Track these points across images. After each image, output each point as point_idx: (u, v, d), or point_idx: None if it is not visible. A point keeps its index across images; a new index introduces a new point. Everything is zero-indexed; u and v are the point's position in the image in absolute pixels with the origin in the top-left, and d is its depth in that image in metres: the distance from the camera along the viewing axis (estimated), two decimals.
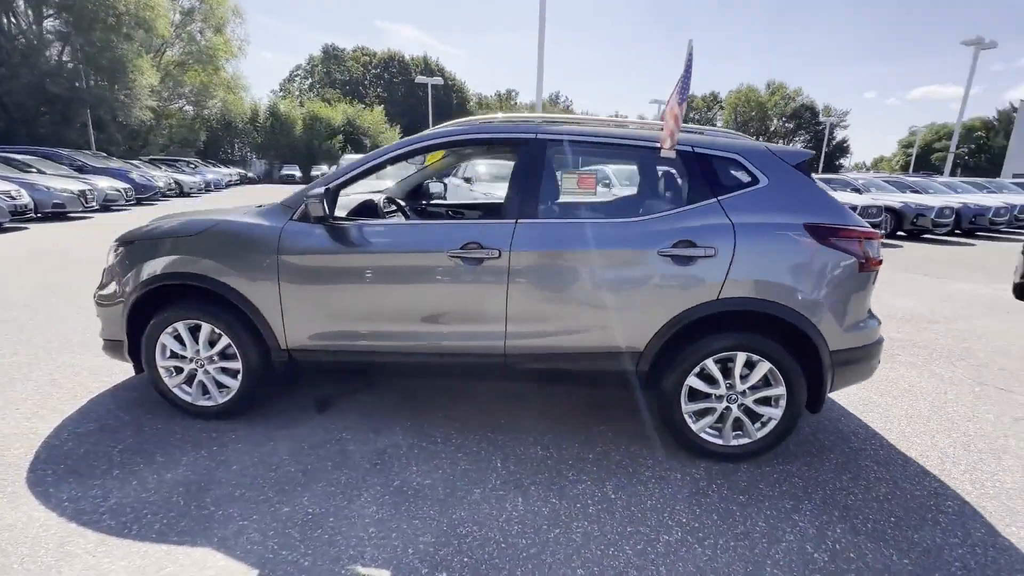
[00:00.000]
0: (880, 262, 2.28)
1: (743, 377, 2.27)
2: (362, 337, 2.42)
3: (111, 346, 2.67)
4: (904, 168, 57.80)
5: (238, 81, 35.16)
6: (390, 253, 2.37)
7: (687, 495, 2.12)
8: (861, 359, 2.31)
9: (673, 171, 2.45)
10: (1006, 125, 49.37)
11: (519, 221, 2.30)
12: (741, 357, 2.24)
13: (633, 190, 3.72)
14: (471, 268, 2.29)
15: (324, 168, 35.68)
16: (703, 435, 2.34)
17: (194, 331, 2.53)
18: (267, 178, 38.75)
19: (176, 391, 2.60)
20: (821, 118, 67.93)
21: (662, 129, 2.31)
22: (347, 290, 2.39)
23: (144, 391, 2.88)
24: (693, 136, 2.39)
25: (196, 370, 2.58)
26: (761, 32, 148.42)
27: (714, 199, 2.26)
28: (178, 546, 1.76)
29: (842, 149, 66.86)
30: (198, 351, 2.54)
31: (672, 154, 2.28)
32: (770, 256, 2.19)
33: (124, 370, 3.08)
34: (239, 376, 2.55)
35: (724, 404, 2.30)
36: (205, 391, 2.61)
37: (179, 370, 2.61)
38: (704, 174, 2.30)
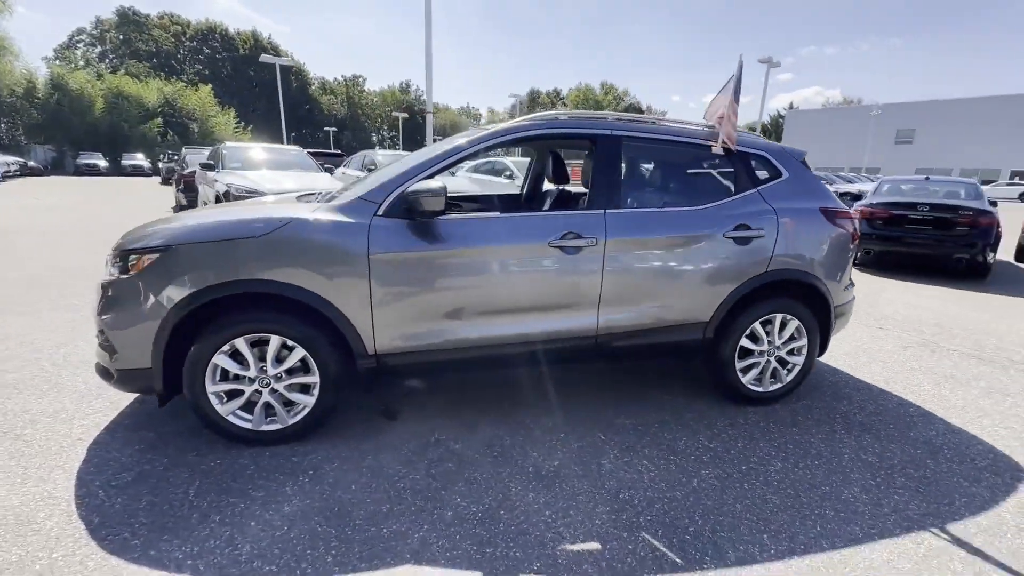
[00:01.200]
0: (860, 236, 2.98)
1: (780, 334, 2.79)
2: (455, 333, 2.37)
3: (127, 377, 2.18)
4: None
5: (3, 43, 27.43)
6: (489, 246, 2.36)
7: (760, 434, 2.56)
8: (847, 312, 3.02)
9: (722, 165, 2.84)
10: (777, 129, 62.28)
11: (607, 211, 2.49)
12: (778, 318, 2.75)
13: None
14: (570, 256, 2.41)
15: (139, 157, 29.91)
16: (750, 386, 2.82)
17: (256, 346, 2.21)
18: (57, 168, 31.08)
19: (231, 419, 2.24)
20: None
21: (713, 128, 2.70)
22: (443, 286, 2.32)
23: (148, 424, 2.40)
24: (721, 135, 2.81)
25: (260, 391, 2.25)
26: (589, 36, 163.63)
27: (754, 189, 2.72)
28: (381, 570, 1.62)
29: None
30: (263, 368, 2.22)
31: (721, 151, 2.68)
32: (802, 235, 2.73)
33: (98, 406, 2.53)
34: (314, 390, 2.30)
35: (765, 358, 2.81)
36: (269, 413, 2.30)
37: (235, 394, 2.25)
38: (745, 169, 2.75)
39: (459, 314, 2.36)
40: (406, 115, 58.41)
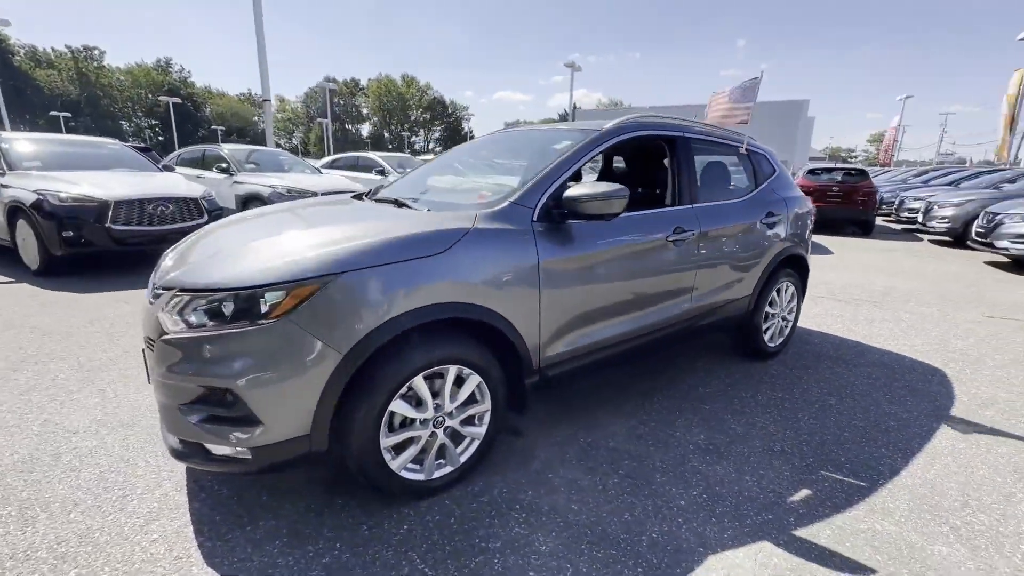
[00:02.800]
0: None
1: (786, 299, 3.49)
2: (600, 333, 2.39)
3: (274, 452, 1.66)
4: None
5: None
6: (627, 244, 2.42)
7: (788, 384, 3.20)
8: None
9: (742, 163, 3.33)
10: None
11: (694, 206, 2.77)
12: (785, 285, 3.44)
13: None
14: (678, 248, 2.63)
15: None
16: (769, 344, 3.46)
17: (430, 380, 1.90)
18: None
19: (404, 473, 1.89)
20: (466, 113, 79.55)
21: (735, 132, 3.19)
22: (593, 287, 2.31)
23: (259, 514, 1.88)
24: (746, 138, 3.35)
25: (435, 432, 1.94)
26: (379, 29, 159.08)
27: (767, 183, 3.32)
28: (684, 564, 1.64)
29: (470, 138, 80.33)
30: (438, 406, 1.92)
31: (745, 152, 3.20)
32: (797, 218, 3.43)
33: (118, 485, 1.86)
34: (484, 420, 2.08)
35: (777, 320, 3.48)
36: (440, 456, 1.99)
37: (409, 443, 1.89)
38: (757, 166, 3.32)
39: (603, 313, 2.38)
40: (176, 100, 48.58)
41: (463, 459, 2.04)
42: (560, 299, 2.17)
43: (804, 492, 2.08)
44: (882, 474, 2.21)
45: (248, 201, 7.69)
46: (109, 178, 5.98)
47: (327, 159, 11.63)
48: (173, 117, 44.78)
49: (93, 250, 5.38)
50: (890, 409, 2.83)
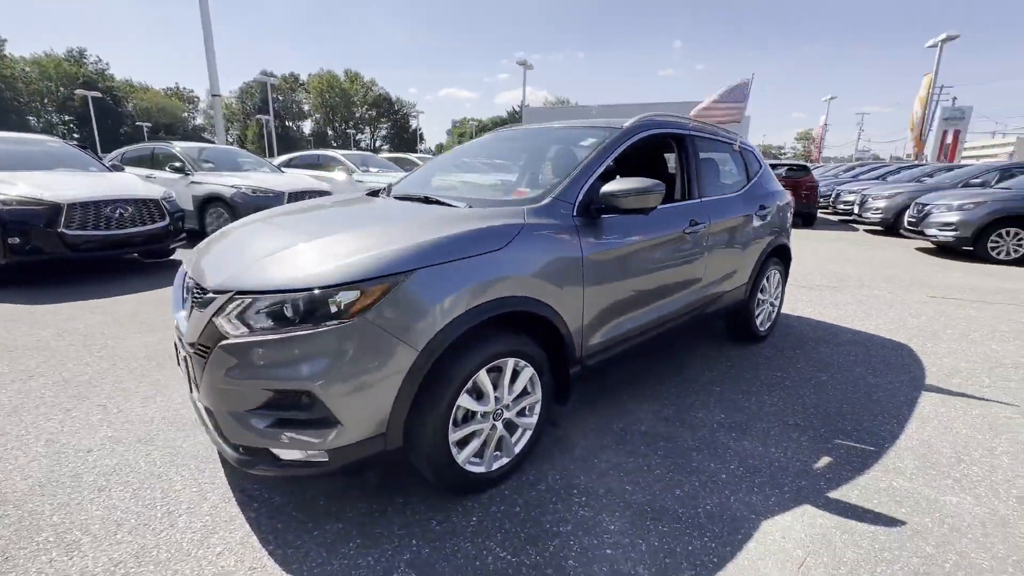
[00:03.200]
0: None
1: (774, 285, 3.75)
2: (630, 322, 2.50)
3: (350, 453, 1.64)
4: None
5: None
6: (655, 237, 2.54)
7: (783, 364, 3.46)
8: None
9: (734, 159, 3.53)
10: (516, 122, 70.83)
11: (703, 200, 2.93)
12: (773, 273, 3.70)
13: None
14: (692, 240, 2.78)
15: None
16: (760, 328, 3.71)
17: (490, 373, 1.93)
18: None
19: (468, 467, 1.92)
20: (414, 110, 78.28)
21: (729, 130, 3.40)
22: (625, 279, 2.41)
23: (325, 518, 1.85)
24: (738, 136, 3.56)
25: (495, 424, 1.98)
26: (318, 21, 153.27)
27: (756, 177, 3.55)
28: (743, 534, 1.78)
29: (419, 136, 79.09)
30: (497, 398, 1.96)
31: (738, 149, 3.42)
32: (782, 210, 3.70)
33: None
34: (535, 411, 2.13)
35: (767, 305, 3.74)
36: (498, 447, 2.03)
37: (471, 436, 1.92)
38: (747, 162, 3.55)
39: (632, 304, 2.49)
40: (96, 94, 44.72)
41: (517, 449, 2.09)
42: (599, 291, 2.26)
43: (825, 459, 2.28)
44: (885, 439, 2.46)
45: (208, 203, 7.28)
46: (55, 179, 5.50)
47: (283, 157, 11.14)
48: (93, 113, 41.19)
49: (44, 258, 4.94)
50: (875, 381, 3.12)
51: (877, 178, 13.53)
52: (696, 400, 2.84)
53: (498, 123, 74.94)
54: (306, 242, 1.87)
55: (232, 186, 7.10)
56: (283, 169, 9.52)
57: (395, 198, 2.69)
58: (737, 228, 3.20)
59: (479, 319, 1.78)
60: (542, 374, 2.09)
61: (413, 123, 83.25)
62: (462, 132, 79.46)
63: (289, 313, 1.60)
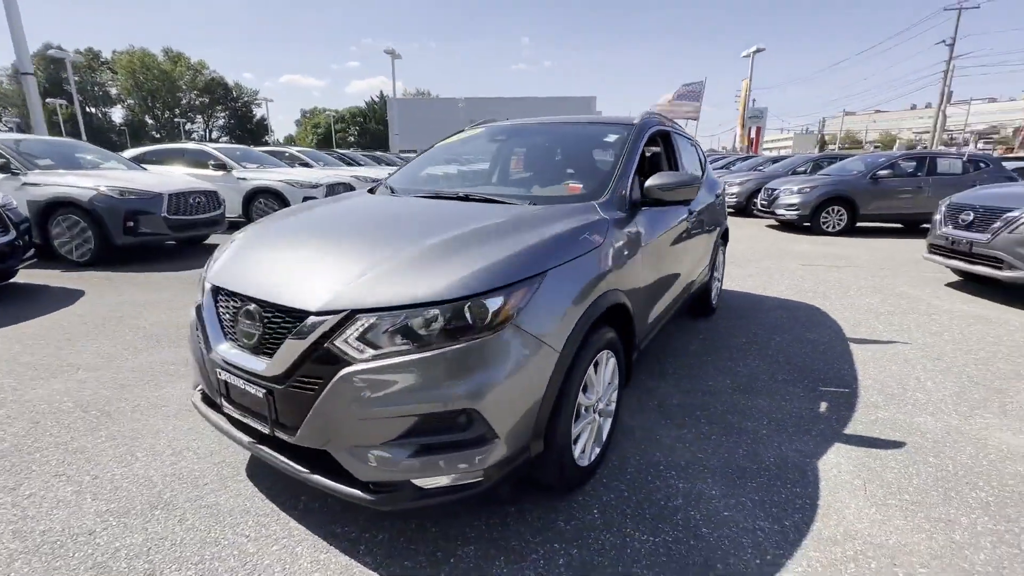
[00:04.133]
0: None
1: (722, 263, 4.29)
2: (657, 308, 2.70)
3: (503, 466, 1.56)
4: (319, 146, 68.62)
5: None
6: (676, 226, 2.76)
7: (742, 331, 4.01)
8: None
9: (691, 151, 3.89)
10: (376, 114, 67.39)
11: None
12: (720, 252, 4.23)
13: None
14: (690, 226, 3.08)
15: None
16: (713, 303, 4.23)
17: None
18: None
19: (580, 461, 1.93)
20: (259, 97, 69.80)
21: (684, 125, 3.78)
22: (658, 267, 2.58)
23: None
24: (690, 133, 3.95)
25: (595, 416, 2.01)
26: None
27: (707, 168, 4.01)
28: (801, 487, 2.10)
29: (264, 127, 71.23)
30: (596, 391, 2.00)
31: (694, 142, 3.83)
32: (723, 195, 4.23)
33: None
34: (614, 399, 2.22)
35: (718, 282, 4.26)
36: (595, 439, 2.08)
37: (582, 432, 1.94)
38: (699, 154, 3.98)
39: (663, 288, 2.69)
40: None
41: (603, 438, 2.15)
42: (647, 278, 2.41)
43: (823, 404, 2.74)
44: (850, 381, 3.03)
45: (54, 209, 5.82)
46: None
47: (130, 152, 9.29)
48: None
49: None
50: (813, 337, 3.79)
51: (723, 167, 15.87)
52: (700, 371, 3.16)
53: (357, 114, 70.84)
54: (411, 250, 1.68)
55: (90, 188, 5.78)
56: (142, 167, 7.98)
57: (423, 197, 2.51)
58: (707, 213, 3.60)
59: (597, 314, 1.80)
60: (620, 363, 2.17)
61: (257, 112, 74.93)
62: (316, 123, 73.61)
63: (434, 327, 1.46)
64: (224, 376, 1.71)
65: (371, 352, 1.45)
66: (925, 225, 9.55)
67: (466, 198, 2.36)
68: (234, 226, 8.70)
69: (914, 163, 9.28)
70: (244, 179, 8.73)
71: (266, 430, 1.62)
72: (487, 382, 1.47)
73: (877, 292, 5.12)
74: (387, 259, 1.63)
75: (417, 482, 1.50)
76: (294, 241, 1.95)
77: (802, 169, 11.72)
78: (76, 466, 2.12)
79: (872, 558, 1.67)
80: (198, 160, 9.05)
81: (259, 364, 1.59)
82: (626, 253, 2.14)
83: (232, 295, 1.74)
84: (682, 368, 3.20)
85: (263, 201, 8.74)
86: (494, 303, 1.50)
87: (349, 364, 1.44)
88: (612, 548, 1.71)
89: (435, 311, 1.46)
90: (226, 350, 1.71)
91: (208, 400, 1.95)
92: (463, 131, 3.38)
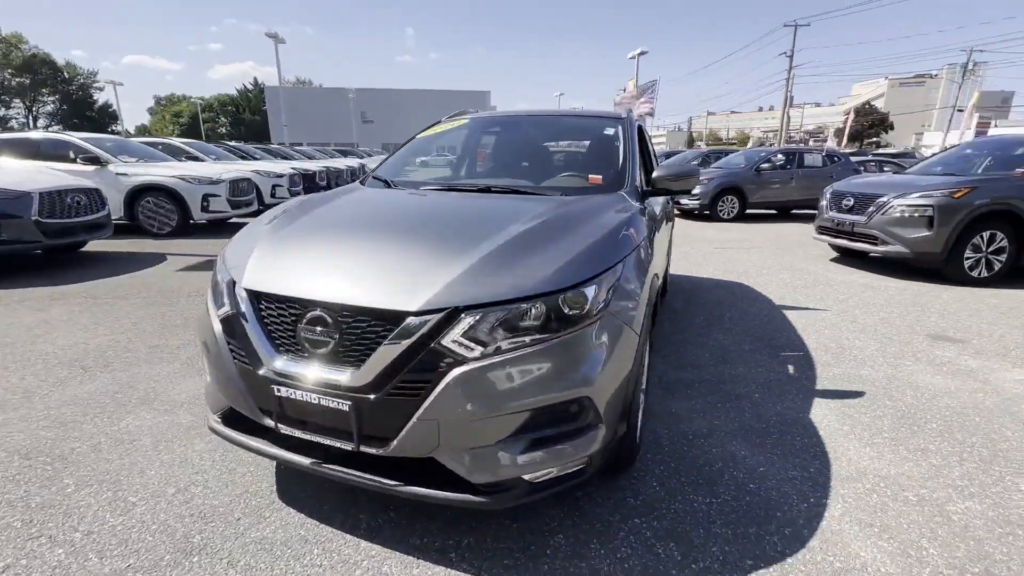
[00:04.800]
0: None
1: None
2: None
3: (604, 452, 1.59)
4: (184, 136, 60.41)
5: None
6: (661, 212, 2.94)
7: (697, 310, 4.40)
8: None
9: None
10: (252, 102, 61.30)
11: None
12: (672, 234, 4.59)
13: None
14: (668, 215, 3.31)
15: None
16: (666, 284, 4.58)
17: None
18: None
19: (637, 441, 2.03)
20: (99, 80, 59.40)
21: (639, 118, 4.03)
22: (658, 251, 2.75)
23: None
24: None
25: (642, 395, 2.12)
26: None
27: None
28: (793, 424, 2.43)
29: (110, 115, 61.24)
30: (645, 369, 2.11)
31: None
32: None
33: None
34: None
35: (670, 263, 4.62)
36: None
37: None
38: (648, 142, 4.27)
39: (660, 275, 2.88)
40: None
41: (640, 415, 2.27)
42: (658, 263, 2.56)
43: (790, 366, 3.14)
44: (800, 346, 3.50)
45: None
46: None
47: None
48: None
49: None
50: (755, 310, 4.29)
51: None
52: (681, 347, 3.44)
53: (228, 102, 63.83)
54: (489, 244, 1.63)
55: None
56: None
57: (436, 190, 2.42)
58: (668, 203, 3.89)
59: (654, 297, 1.90)
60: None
61: (100, 97, 64.23)
62: (178, 112, 65.08)
63: (540, 320, 1.45)
64: (285, 393, 1.52)
65: (480, 350, 1.39)
66: (795, 211, 11.20)
67: (488, 190, 2.32)
68: (124, 230, 7.49)
69: (785, 158, 10.77)
70: (125, 175, 7.52)
71: (348, 446, 1.48)
72: (595, 369, 1.50)
73: (785, 270, 5.91)
74: (469, 254, 1.57)
75: (527, 477, 1.48)
76: (343, 239, 1.78)
77: (696, 163, 13.01)
78: (53, 524, 1.74)
79: (886, 488, 1.98)
80: (57, 153, 7.60)
81: (341, 375, 1.45)
82: (651, 239, 2.27)
83: (286, 301, 1.55)
84: (664, 346, 3.45)
85: (152, 201, 7.62)
86: (590, 292, 1.53)
87: (461, 364, 1.38)
88: (686, 514, 1.83)
89: (540, 303, 1.45)
90: (285, 364, 1.53)
91: (237, 422, 1.72)
92: (440, 123, 3.27)
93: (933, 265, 5.29)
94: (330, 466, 1.54)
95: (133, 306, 4.19)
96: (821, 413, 2.56)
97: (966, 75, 39.57)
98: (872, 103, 59.07)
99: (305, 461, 1.58)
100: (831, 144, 15.04)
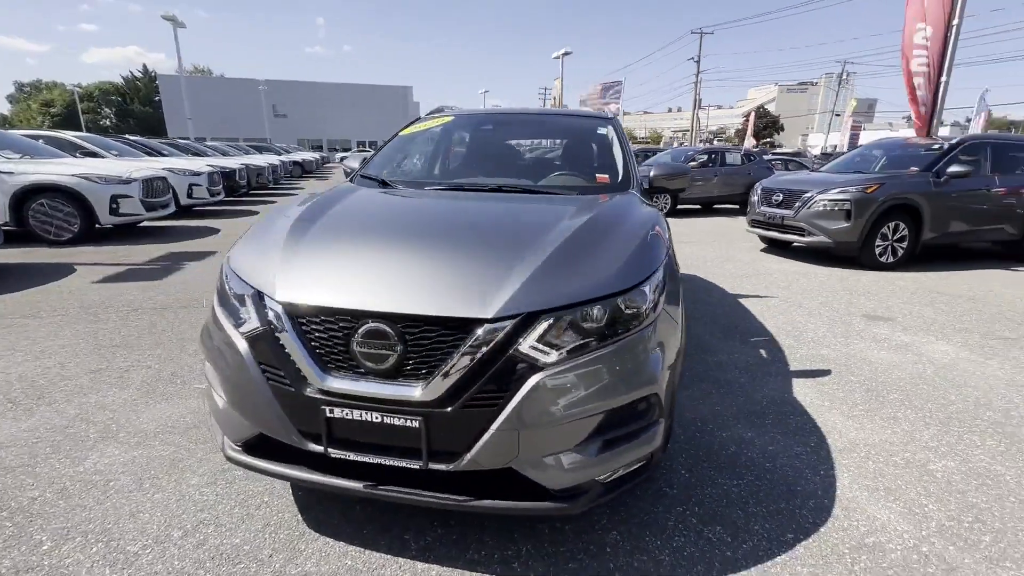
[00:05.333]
0: None
1: None
2: None
3: (663, 445, 1.64)
4: (58, 128, 52.72)
5: None
6: None
7: None
8: None
9: None
10: (141, 92, 55.07)
11: None
12: None
13: None
14: None
15: None
16: None
17: None
18: None
19: None
20: None
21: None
22: None
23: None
24: None
25: None
26: None
27: None
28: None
29: None
30: None
31: None
32: None
33: None
34: None
35: None
36: None
37: None
38: None
39: None
40: None
41: None
42: None
43: (762, 351, 3.40)
44: (763, 331, 3.79)
45: None
46: None
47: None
48: None
49: None
50: (714, 299, 4.59)
51: None
52: None
53: (111, 91, 56.92)
54: (539, 247, 1.60)
55: None
56: None
57: (445, 190, 2.33)
58: None
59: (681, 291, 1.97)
60: None
61: None
62: (48, 101, 56.96)
63: (608, 320, 1.45)
64: (338, 414, 1.40)
65: (555, 354, 1.37)
66: (716, 205, 12.09)
67: (499, 189, 2.28)
68: (12, 238, 6.44)
69: (708, 156, 11.58)
70: (10, 173, 6.47)
71: (416, 465, 1.39)
72: (658, 366, 1.53)
73: (727, 261, 6.37)
74: (530, 258, 1.53)
75: (600, 478, 1.49)
76: (383, 245, 1.66)
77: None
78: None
79: (877, 455, 2.21)
80: None
81: (409, 390, 1.36)
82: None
83: (336, 314, 1.42)
84: None
85: (46, 204, 6.62)
86: (647, 290, 1.56)
87: (539, 369, 1.35)
88: (720, 497, 1.92)
89: (607, 304, 1.45)
90: (338, 382, 1.40)
91: (263, 450, 1.56)
92: (421, 120, 3.14)
93: (850, 253, 5.96)
94: (391, 488, 1.44)
95: (53, 326, 3.63)
96: (802, 392, 2.80)
97: (841, 84, 44.89)
98: (766, 106, 65.11)
99: (357, 485, 1.46)
100: (748, 144, 16.36)
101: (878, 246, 5.86)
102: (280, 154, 22.38)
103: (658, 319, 1.57)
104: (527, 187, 2.32)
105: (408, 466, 1.40)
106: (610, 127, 2.87)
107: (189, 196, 9.32)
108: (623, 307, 1.48)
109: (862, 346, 3.50)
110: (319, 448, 1.45)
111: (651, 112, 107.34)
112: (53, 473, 2.00)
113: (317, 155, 30.20)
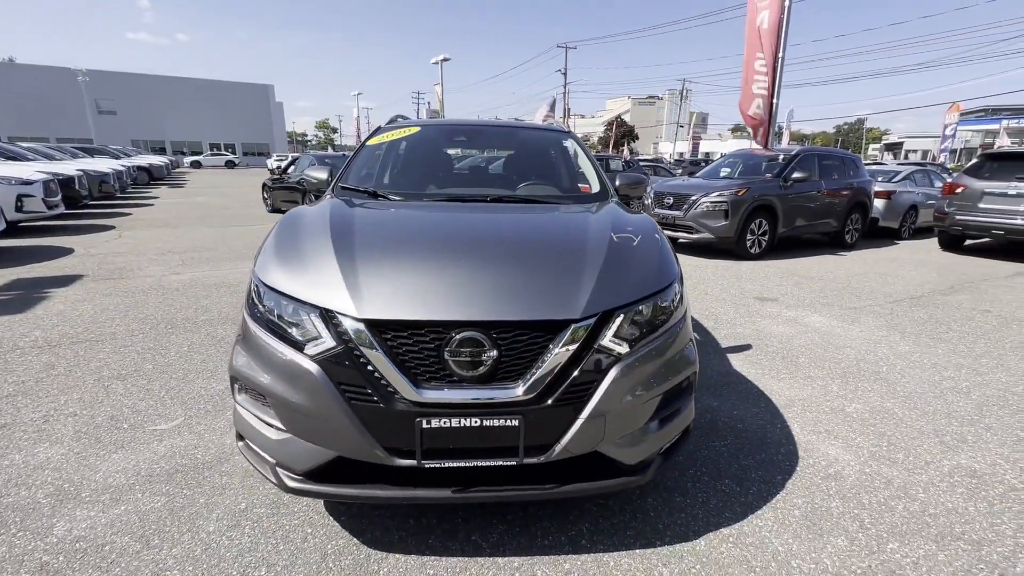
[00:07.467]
0: None
1: None
2: None
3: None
4: None
5: None
6: None
7: None
8: None
9: None
10: None
11: None
12: None
13: None
14: None
15: None
16: None
17: None
18: None
19: None
20: None
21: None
22: None
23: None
24: None
25: None
26: None
27: None
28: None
29: None
30: None
31: None
32: None
33: None
34: None
35: None
36: None
37: None
38: None
39: None
40: None
41: None
42: None
43: (696, 334, 3.93)
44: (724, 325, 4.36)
45: None
46: None
47: None
48: None
49: None
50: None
51: None
52: None
53: None
54: (598, 252, 1.77)
55: None
56: None
57: (441, 200, 2.37)
58: None
59: None
60: None
61: None
62: None
63: (658, 313, 1.68)
64: (435, 424, 1.43)
65: (627, 345, 1.57)
66: None
67: (499, 200, 2.39)
68: None
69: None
70: None
71: (512, 462, 1.48)
72: (693, 350, 1.80)
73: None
74: (592, 263, 1.69)
75: (664, 447, 1.72)
76: (443, 258, 1.69)
77: None
78: None
79: (809, 406, 2.77)
80: None
81: (508, 391, 1.45)
82: None
83: (426, 326, 1.44)
84: None
85: None
86: (677, 286, 1.82)
87: (618, 360, 1.53)
88: (717, 456, 2.27)
89: (656, 300, 1.68)
90: (432, 393, 1.43)
91: (329, 476, 1.53)
92: (382, 130, 3.08)
93: (728, 247, 7.03)
94: (481, 488, 1.51)
95: None
96: (739, 365, 3.35)
97: (682, 99, 51.55)
98: (622, 117, 72.04)
99: (446, 492, 1.50)
100: (627, 152, 18.02)
101: (748, 240, 7.01)
102: (119, 158, 19.16)
103: (686, 310, 1.84)
104: (526, 197, 2.46)
105: (504, 464, 1.49)
106: (572, 140, 3.13)
107: (19, 210, 7.64)
108: (667, 302, 1.72)
109: (765, 323, 4.24)
110: (409, 461, 1.46)
111: (521, 120, 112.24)
112: (16, 552, 1.66)
113: (165, 159, 26.34)
